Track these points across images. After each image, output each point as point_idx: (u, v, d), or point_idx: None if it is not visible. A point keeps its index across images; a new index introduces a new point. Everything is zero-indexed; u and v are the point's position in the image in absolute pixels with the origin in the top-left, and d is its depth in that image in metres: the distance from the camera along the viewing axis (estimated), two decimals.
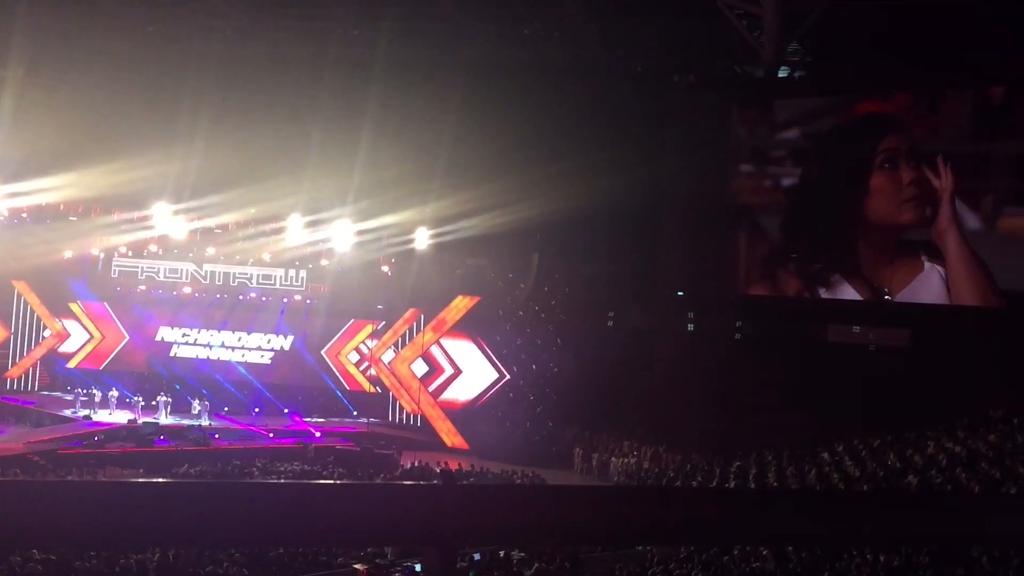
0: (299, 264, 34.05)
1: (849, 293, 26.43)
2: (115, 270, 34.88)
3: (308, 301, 34.50)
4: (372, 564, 14.64)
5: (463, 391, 31.84)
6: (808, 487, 19.17)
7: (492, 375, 31.55)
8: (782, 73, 29.04)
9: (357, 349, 34.29)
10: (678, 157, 29.32)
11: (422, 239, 32.03)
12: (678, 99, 30.28)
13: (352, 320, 34.20)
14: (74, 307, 35.22)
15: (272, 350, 34.85)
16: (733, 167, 29.19)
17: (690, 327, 30.22)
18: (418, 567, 13.68)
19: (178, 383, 32.89)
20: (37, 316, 35.19)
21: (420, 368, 32.39)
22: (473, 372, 31.88)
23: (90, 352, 35.26)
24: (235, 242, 33.65)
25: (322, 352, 34.31)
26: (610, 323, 31.50)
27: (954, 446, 19.81)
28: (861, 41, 26.42)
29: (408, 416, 33.07)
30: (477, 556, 14.63)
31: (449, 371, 32.12)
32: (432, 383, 32.15)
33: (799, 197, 27.41)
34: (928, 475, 18.24)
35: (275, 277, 34.40)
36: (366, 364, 34.03)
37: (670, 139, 29.89)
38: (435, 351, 32.32)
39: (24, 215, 32.76)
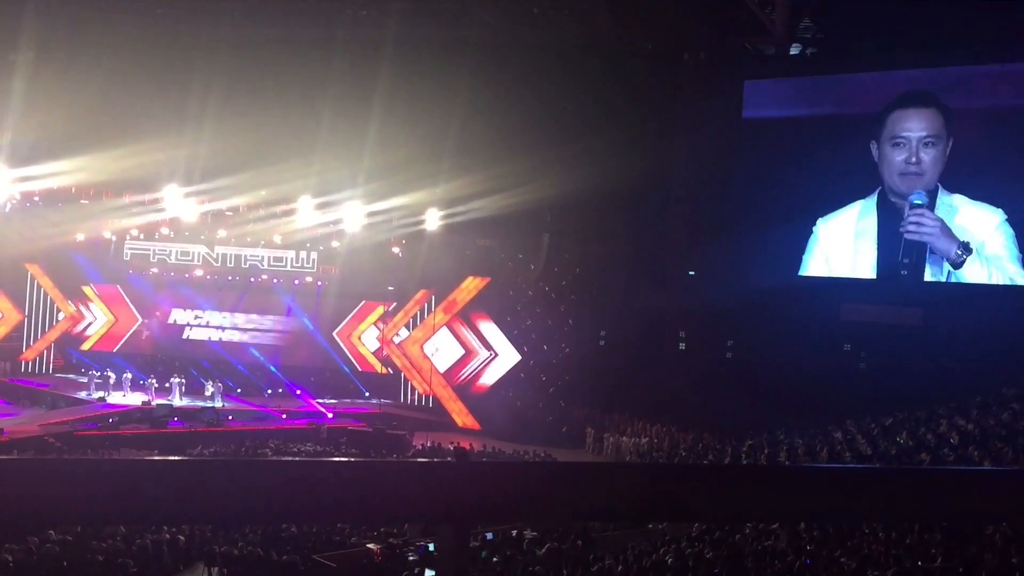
0: (310, 246, 34.13)
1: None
2: (127, 253, 35.03)
3: (319, 283, 34.59)
4: (386, 543, 14.71)
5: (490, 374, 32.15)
6: (820, 465, 19.15)
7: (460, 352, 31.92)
8: (794, 50, 28.81)
9: (375, 326, 34.47)
10: (688, 135, 29.15)
11: (433, 220, 32.03)
12: (688, 77, 30.09)
13: (363, 301, 34.30)
14: (87, 290, 35.41)
15: (284, 331, 34.99)
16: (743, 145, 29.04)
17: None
18: (431, 547, 13.75)
19: (191, 365, 33.08)
20: (51, 299, 35.39)
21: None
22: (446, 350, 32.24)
23: (103, 334, 35.48)
24: (246, 224, 33.74)
25: (334, 333, 34.44)
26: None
27: (966, 424, 19.75)
28: (873, 18, 26.18)
29: (420, 397, 33.19)
30: (489, 535, 14.70)
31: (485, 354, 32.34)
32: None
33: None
34: (940, 453, 18.20)
35: (286, 259, 34.50)
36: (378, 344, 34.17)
37: (680, 117, 29.71)
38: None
39: (36, 199, 32.89)
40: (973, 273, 24.60)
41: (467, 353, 31.98)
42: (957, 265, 24.58)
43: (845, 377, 25.17)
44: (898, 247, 25.49)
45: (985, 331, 22.88)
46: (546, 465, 1.54)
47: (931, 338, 24.51)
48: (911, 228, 24.97)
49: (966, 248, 24.40)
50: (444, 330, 32.22)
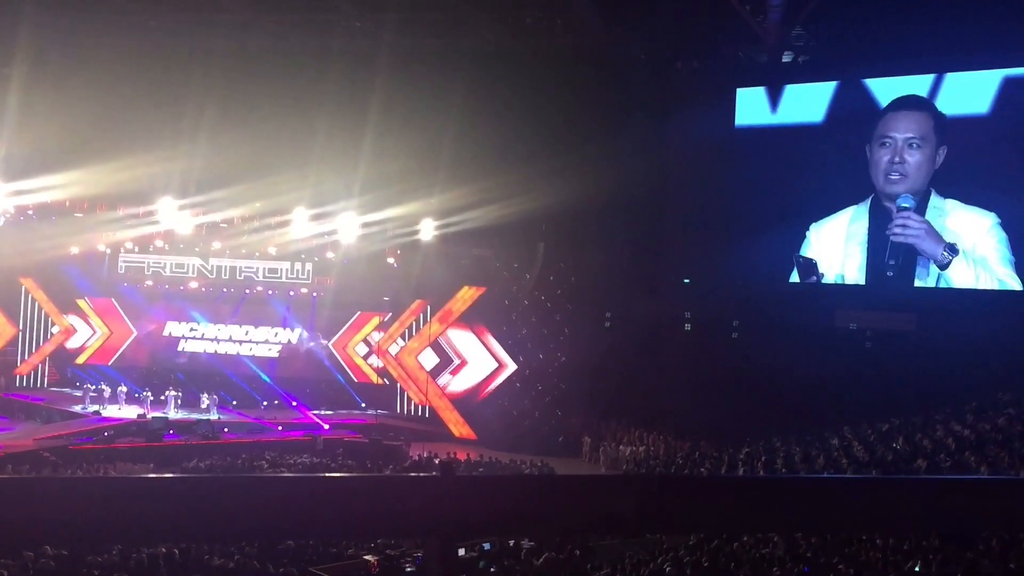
0: (305, 257, 34.10)
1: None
2: (122, 266, 34.96)
3: (314, 294, 34.55)
4: (383, 555, 14.67)
5: (466, 380, 31.96)
6: (817, 473, 19.16)
7: (493, 365, 31.70)
8: (786, 58, 28.92)
9: (365, 340, 34.38)
10: (682, 144, 29.23)
11: (427, 230, 32.03)
12: (681, 86, 30.16)
13: (359, 312, 34.26)
14: (82, 303, 35.32)
15: (280, 343, 34.93)
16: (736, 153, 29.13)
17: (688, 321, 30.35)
18: None
19: (186, 377, 33.01)
20: (45, 313, 35.30)
21: (429, 360, 32.49)
22: (477, 362, 31.97)
23: (98, 348, 35.38)
24: (241, 236, 33.68)
25: (329, 344, 34.38)
26: (607, 322, 31.56)
27: (963, 429, 19.77)
28: (865, 25, 26.31)
29: (416, 407, 33.13)
30: (487, 546, 14.66)
31: (456, 361, 32.25)
32: (440, 374, 32.26)
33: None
34: (937, 459, 18.21)
35: (281, 270, 34.45)
36: (373, 355, 34.12)
37: (674, 126, 29.79)
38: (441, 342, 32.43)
39: (30, 212, 32.82)
40: (959, 274, 24.74)
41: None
42: (943, 266, 24.76)
43: (841, 383, 25.18)
44: (886, 251, 25.72)
45: (980, 336, 22.94)
46: (528, 479, 1.54)
47: (926, 343, 24.56)
48: (897, 230, 25.23)
49: (952, 249, 24.57)
50: (476, 342, 31.99)
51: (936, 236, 24.87)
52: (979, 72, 25.29)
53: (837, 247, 26.93)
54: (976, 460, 17.49)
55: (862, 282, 26.46)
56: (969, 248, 24.76)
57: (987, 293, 24.56)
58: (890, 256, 25.41)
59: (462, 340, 32.23)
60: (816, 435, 22.78)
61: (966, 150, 24.81)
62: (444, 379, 32.26)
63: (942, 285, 25.01)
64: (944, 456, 18.29)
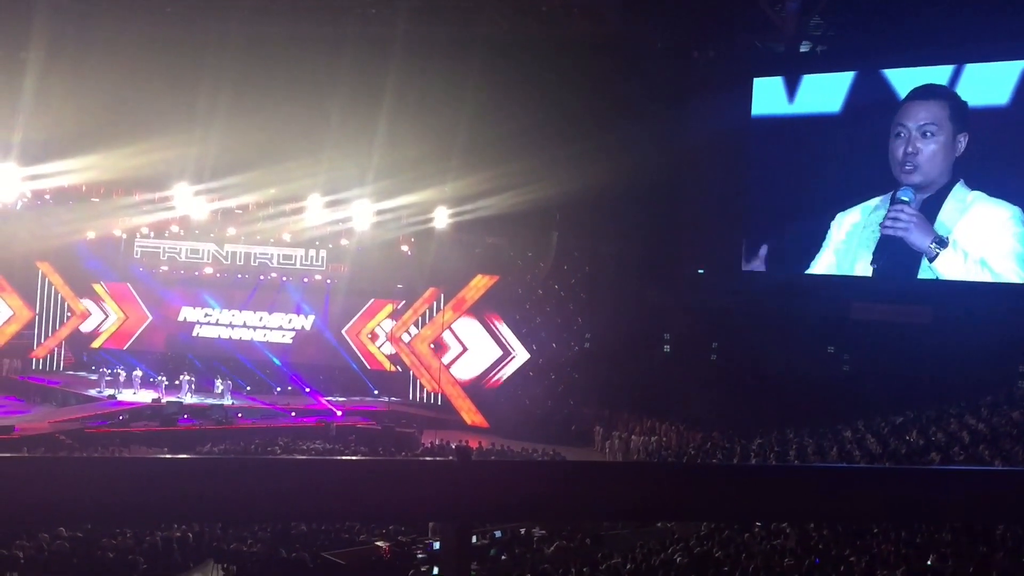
0: (319, 244, 34.20)
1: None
2: (137, 251, 35.16)
3: (328, 281, 34.65)
4: (394, 541, 14.73)
5: (470, 368, 31.99)
6: (830, 464, 19.09)
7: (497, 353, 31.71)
8: (804, 48, 28.71)
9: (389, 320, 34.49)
10: (698, 133, 29.08)
11: (441, 218, 32.03)
12: (698, 74, 29.99)
13: (372, 300, 34.34)
14: (98, 288, 35.55)
15: (293, 330, 35.07)
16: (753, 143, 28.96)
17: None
18: (437, 545, 13.77)
19: (201, 362, 33.19)
20: (61, 297, 35.53)
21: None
22: (481, 350, 31.97)
23: (114, 332, 35.62)
24: (255, 222, 33.80)
25: (343, 331, 34.49)
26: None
27: (977, 423, 19.66)
28: (884, 15, 26.09)
29: (428, 395, 33.21)
30: (498, 533, 14.70)
31: (458, 349, 32.27)
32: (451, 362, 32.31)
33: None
34: (951, 452, 18.12)
35: (295, 257, 34.57)
36: (384, 342, 34.19)
37: (690, 115, 29.63)
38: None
39: (47, 197, 33.01)
40: (948, 267, 24.59)
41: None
42: (931, 259, 24.64)
43: (855, 375, 25.08)
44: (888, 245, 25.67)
45: (995, 330, 22.77)
46: (547, 465, 1.53)
47: (941, 337, 24.40)
48: (888, 223, 25.12)
49: (941, 242, 24.45)
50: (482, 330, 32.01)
51: (926, 228, 24.72)
52: (998, 63, 25.01)
53: (853, 237, 26.77)
54: (990, 454, 17.40)
55: (869, 274, 26.31)
56: (980, 240, 24.50)
57: (1003, 287, 24.35)
58: (877, 249, 25.43)
59: (467, 329, 32.22)
60: (829, 427, 22.70)
61: (990, 141, 24.54)
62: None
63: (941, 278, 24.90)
64: (958, 449, 18.20)
